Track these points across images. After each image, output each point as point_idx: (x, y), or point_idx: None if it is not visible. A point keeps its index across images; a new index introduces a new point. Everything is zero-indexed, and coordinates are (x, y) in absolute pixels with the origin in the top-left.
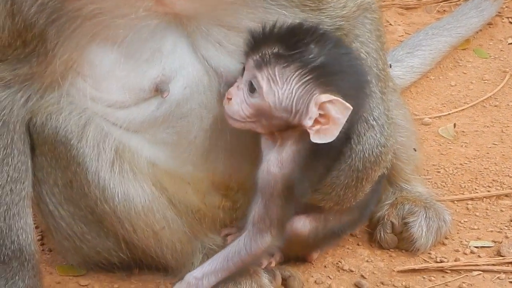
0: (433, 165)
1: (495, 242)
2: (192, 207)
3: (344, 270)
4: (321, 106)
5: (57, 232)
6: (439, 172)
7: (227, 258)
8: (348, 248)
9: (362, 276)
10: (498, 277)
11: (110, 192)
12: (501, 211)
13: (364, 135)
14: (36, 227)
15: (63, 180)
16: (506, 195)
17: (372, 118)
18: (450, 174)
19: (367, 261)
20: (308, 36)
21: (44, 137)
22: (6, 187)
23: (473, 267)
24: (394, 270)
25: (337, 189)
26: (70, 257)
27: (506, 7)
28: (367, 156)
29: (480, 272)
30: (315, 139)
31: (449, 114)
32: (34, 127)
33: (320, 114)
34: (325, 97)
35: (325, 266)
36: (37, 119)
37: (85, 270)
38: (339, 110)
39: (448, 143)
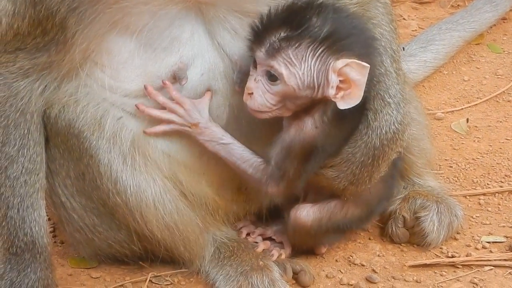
0: (446, 160)
1: (507, 237)
2: (206, 199)
3: (355, 264)
4: (339, 73)
5: (69, 224)
6: (451, 167)
7: (240, 155)
8: (359, 243)
9: (373, 270)
10: (509, 272)
11: (122, 184)
12: None
13: (381, 111)
14: (48, 219)
15: (75, 172)
16: None
17: (388, 95)
18: (463, 169)
19: (378, 255)
20: (308, 11)
21: (57, 128)
22: (21, 179)
23: (485, 262)
24: (405, 265)
25: (353, 167)
26: (82, 249)
27: None
28: (384, 132)
29: (492, 267)
30: (342, 105)
31: (462, 109)
32: (47, 118)
33: (340, 81)
34: (341, 62)
35: (337, 260)
36: (51, 110)
37: (97, 262)
38: (358, 71)
39: (461, 138)
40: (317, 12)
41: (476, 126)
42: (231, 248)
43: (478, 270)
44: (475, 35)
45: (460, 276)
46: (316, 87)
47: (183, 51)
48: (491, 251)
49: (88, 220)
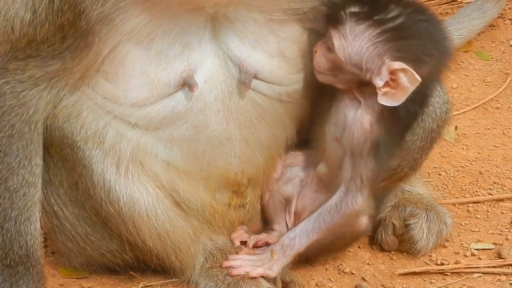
0: (434, 167)
1: (495, 244)
2: (203, 204)
3: (345, 272)
4: (392, 72)
5: (61, 233)
6: (440, 174)
7: (318, 218)
8: (349, 251)
9: (363, 278)
10: (498, 279)
11: (115, 194)
12: (502, 213)
13: (431, 95)
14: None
15: (68, 181)
16: (508, 198)
17: None
18: (451, 176)
19: (368, 263)
20: None
21: (52, 138)
22: (20, 191)
23: (474, 270)
24: (395, 273)
25: (414, 154)
26: (74, 258)
27: (509, 8)
28: (438, 114)
29: (481, 275)
30: (382, 100)
31: None
32: (44, 128)
33: (391, 78)
34: (397, 64)
35: (326, 269)
36: (46, 120)
37: (88, 272)
38: (409, 80)
39: (450, 145)
40: (398, 3)
41: (464, 134)
42: (217, 259)
43: (467, 278)
44: (463, 42)
45: (449, 284)
46: (364, 69)
47: (192, 57)
48: (480, 258)
49: (80, 229)
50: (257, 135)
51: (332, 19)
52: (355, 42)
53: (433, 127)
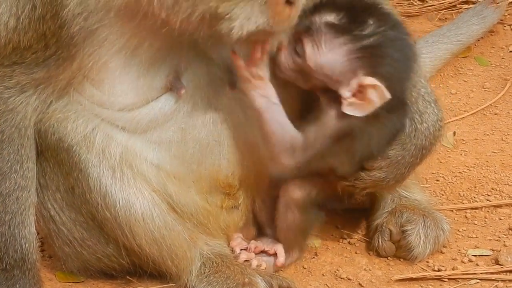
0: (432, 173)
1: (493, 250)
2: (196, 208)
3: (342, 278)
4: (362, 86)
5: (58, 237)
6: (438, 180)
7: (283, 120)
8: (346, 257)
9: (360, 284)
10: (496, 286)
11: (112, 198)
12: (500, 219)
13: (425, 112)
14: (37, 233)
15: (65, 186)
16: (506, 205)
17: (427, 95)
18: (449, 182)
19: (365, 269)
20: (368, 11)
21: (48, 143)
22: (13, 195)
23: (471, 276)
24: (392, 279)
25: (402, 168)
26: (70, 263)
27: (508, 14)
28: (432, 132)
29: (478, 281)
30: (345, 109)
31: (449, 122)
32: (38, 132)
33: (358, 91)
34: (369, 80)
35: (323, 275)
36: (41, 125)
37: (85, 277)
38: (378, 96)
39: (448, 151)
40: (376, 18)
41: (463, 139)
42: (215, 264)
43: (464, 284)
44: (462, 48)
45: None
46: (334, 79)
47: (177, 61)
48: (477, 265)
49: (77, 233)
50: (244, 133)
51: (305, 26)
52: (329, 54)
53: (425, 144)
